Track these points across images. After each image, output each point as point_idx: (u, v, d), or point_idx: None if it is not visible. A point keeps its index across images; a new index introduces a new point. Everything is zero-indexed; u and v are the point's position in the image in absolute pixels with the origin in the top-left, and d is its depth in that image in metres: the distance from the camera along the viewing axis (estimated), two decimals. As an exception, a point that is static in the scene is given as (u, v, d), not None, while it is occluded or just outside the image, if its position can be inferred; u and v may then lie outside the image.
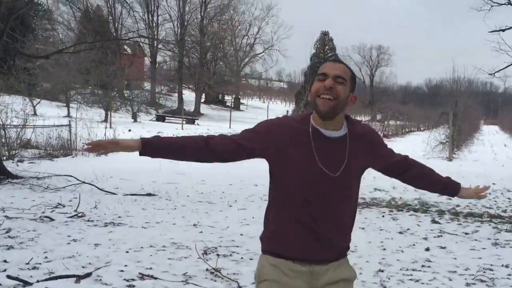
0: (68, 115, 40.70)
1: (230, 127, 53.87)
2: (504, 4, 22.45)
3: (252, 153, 3.41)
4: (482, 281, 7.62)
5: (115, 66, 53.01)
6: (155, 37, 73.28)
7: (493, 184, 19.36)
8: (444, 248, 9.63)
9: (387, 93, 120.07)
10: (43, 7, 53.87)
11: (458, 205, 14.66)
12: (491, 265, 8.49)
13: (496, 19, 23.62)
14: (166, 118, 61.29)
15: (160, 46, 73.45)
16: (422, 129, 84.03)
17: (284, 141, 3.30)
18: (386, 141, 3.93)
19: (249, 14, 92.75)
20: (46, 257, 7.91)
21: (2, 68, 31.47)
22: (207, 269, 7.64)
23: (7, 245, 8.50)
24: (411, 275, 7.80)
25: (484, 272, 8.04)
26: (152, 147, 3.33)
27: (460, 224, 12.04)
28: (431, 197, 15.84)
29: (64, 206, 12.34)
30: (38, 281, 6.76)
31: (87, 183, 15.63)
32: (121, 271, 7.38)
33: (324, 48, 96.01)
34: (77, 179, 15.85)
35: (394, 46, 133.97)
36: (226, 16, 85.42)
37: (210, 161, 3.47)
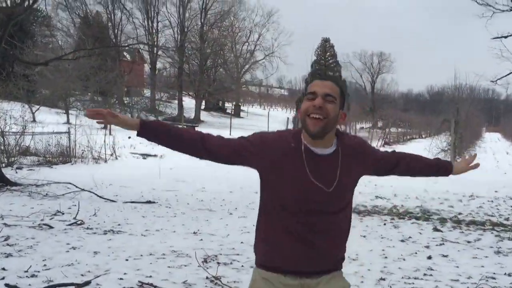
0: (68, 122, 40.56)
1: (230, 134, 53.82)
2: (507, 10, 22.42)
3: (246, 160, 3.43)
4: (485, 289, 7.58)
5: (114, 72, 52.93)
6: (155, 43, 73.25)
7: (495, 192, 19.33)
8: (446, 256, 9.58)
9: (388, 100, 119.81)
10: (42, 13, 53.87)
11: (460, 213, 14.63)
12: (494, 273, 8.43)
13: (499, 26, 23.63)
14: (166, 125, 61.13)
15: (160, 52, 73.42)
16: (423, 136, 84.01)
17: (278, 155, 3.32)
18: (387, 148, 3.91)
19: (249, 20, 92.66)
20: (45, 265, 7.89)
21: (1, 74, 31.46)
22: (207, 277, 7.60)
23: (5, 253, 8.47)
24: (413, 283, 7.75)
25: (487, 280, 7.98)
26: (150, 130, 3.37)
27: (462, 232, 11.98)
28: (433, 205, 15.84)
29: (63, 214, 12.31)
30: (36, 290, 6.72)
31: (86, 190, 15.59)
32: (121, 279, 7.35)
33: (325, 54, 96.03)
34: (77, 187, 15.82)
35: (395, 52, 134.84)
36: (227, 22, 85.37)
37: (202, 158, 3.51)
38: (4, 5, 21.63)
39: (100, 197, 15.03)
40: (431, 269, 8.58)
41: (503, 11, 22.57)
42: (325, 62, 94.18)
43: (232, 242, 10.09)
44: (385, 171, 3.77)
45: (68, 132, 25.85)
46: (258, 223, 3.55)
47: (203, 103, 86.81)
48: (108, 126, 39.24)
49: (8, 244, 9.11)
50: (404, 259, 9.23)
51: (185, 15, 78.19)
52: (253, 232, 3.56)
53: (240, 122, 77.61)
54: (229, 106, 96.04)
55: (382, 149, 3.99)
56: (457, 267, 8.82)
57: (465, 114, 43.14)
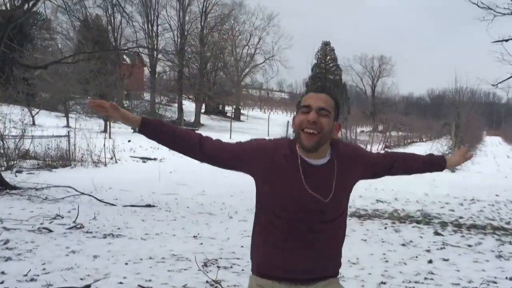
0: (67, 126, 40.58)
1: (230, 137, 53.81)
2: (508, 14, 22.39)
3: (242, 166, 3.48)
4: (486, 294, 7.55)
5: (114, 76, 52.92)
6: (155, 47, 73.22)
7: (496, 195, 19.30)
8: (447, 260, 9.55)
9: (389, 104, 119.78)
10: (42, 17, 53.82)
11: (461, 217, 14.59)
12: (495, 277, 8.41)
13: (500, 29, 23.61)
14: (166, 128, 61.11)
15: (159, 56, 73.42)
16: (424, 140, 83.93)
17: (274, 164, 3.34)
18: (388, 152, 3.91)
19: (249, 24, 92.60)
20: (44, 269, 7.87)
21: (0, 78, 31.46)
22: (207, 281, 7.57)
23: (5, 257, 8.45)
24: (414, 287, 7.71)
25: (488, 284, 7.97)
26: (151, 128, 3.45)
27: (463, 236, 11.94)
28: (434, 209, 15.81)
29: (62, 217, 12.27)
30: (36, 293, 6.69)
31: (86, 194, 15.56)
32: (120, 283, 7.33)
33: (326, 58, 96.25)
34: (76, 190, 15.78)
35: (396, 56, 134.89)
36: (227, 26, 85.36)
37: (198, 160, 3.55)
38: (3, 8, 21.58)
39: (99, 200, 14.98)
40: (432, 273, 8.54)
41: (504, 14, 22.56)
42: (325, 65, 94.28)
43: (232, 246, 10.05)
44: (381, 173, 3.79)
45: (68, 136, 25.80)
46: (254, 230, 3.58)
47: (203, 106, 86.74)
48: (108, 129, 39.28)
49: (7, 248, 9.09)
50: (405, 263, 9.20)
51: (185, 19, 78.17)
52: (253, 235, 3.57)
53: (240, 126, 77.66)
54: (229, 109, 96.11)
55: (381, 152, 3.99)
56: (458, 271, 8.78)
57: (466, 117, 43.15)
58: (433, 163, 3.92)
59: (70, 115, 45.41)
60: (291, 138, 3.47)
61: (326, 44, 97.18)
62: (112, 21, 75.07)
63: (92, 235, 10.62)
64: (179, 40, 78.00)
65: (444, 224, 13.39)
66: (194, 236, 10.89)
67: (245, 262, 8.73)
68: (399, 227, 12.90)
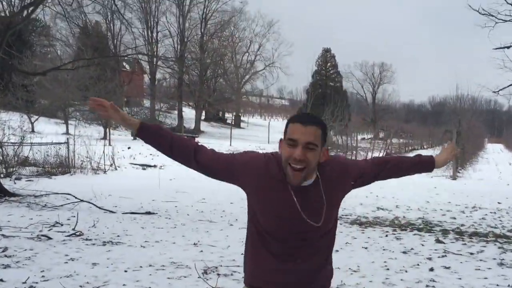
0: (67, 132, 40.62)
1: (230, 144, 53.77)
2: (509, 21, 22.38)
3: (233, 179, 3.51)
4: (488, 302, 7.51)
5: (114, 83, 52.98)
6: (155, 53, 73.23)
7: (498, 203, 19.25)
8: (448, 268, 9.50)
9: (390, 111, 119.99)
10: (41, 23, 53.92)
11: (462, 225, 14.53)
12: (497, 285, 8.38)
13: (501, 36, 23.60)
14: (166, 135, 61.09)
15: (159, 63, 73.43)
16: (425, 147, 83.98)
17: (265, 183, 3.35)
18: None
19: (249, 30, 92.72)
20: (43, 276, 7.86)
21: (-1, 84, 31.48)
22: (207, 289, 7.53)
23: (3, 264, 8.43)
24: (416, 296, 7.67)
25: (490, 292, 7.91)
26: (148, 132, 3.46)
27: (465, 244, 11.88)
28: (435, 217, 15.76)
29: (62, 225, 12.23)
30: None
31: (85, 201, 15.50)
32: (120, 291, 7.27)
33: (326, 65, 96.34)
34: (76, 197, 15.72)
35: (397, 63, 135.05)
36: (227, 32, 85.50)
37: (192, 169, 3.55)
38: (2, 14, 21.58)
39: (99, 208, 14.93)
40: (434, 281, 8.50)
41: (506, 21, 22.55)
42: (326, 72, 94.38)
43: (232, 253, 10.01)
44: (372, 180, 3.77)
45: (67, 143, 25.76)
46: (246, 242, 3.68)
47: (203, 113, 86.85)
48: (108, 136, 39.27)
49: (6, 255, 9.05)
50: (406, 271, 9.15)
51: (185, 25, 78.26)
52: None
53: (240, 133, 77.72)
54: (229, 116, 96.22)
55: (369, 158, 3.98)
56: (460, 279, 8.74)
57: (467, 125, 43.15)
58: (422, 164, 3.90)
59: (69, 122, 45.46)
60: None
61: (326, 50, 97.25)
62: (112, 27, 75.17)
63: (91, 242, 10.58)
64: (179, 46, 78.10)
65: (445, 232, 13.33)
66: (194, 244, 10.85)
67: (245, 270, 8.68)
68: (400, 234, 12.84)
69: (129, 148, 34.18)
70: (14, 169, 22.24)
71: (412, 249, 11.10)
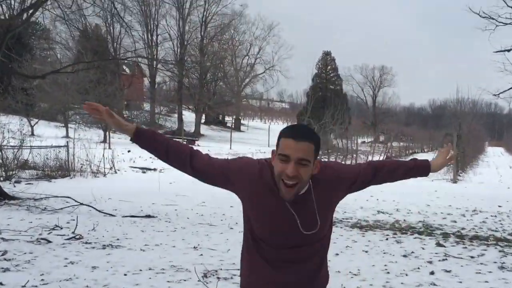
0: (67, 136, 40.61)
1: (230, 148, 53.79)
2: (510, 24, 22.36)
3: (228, 185, 3.50)
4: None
5: (114, 86, 53.03)
6: (154, 57, 73.28)
7: (499, 206, 19.22)
8: (449, 271, 9.47)
9: (390, 114, 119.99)
10: (41, 27, 53.95)
11: (463, 228, 14.50)
12: (498, 289, 8.34)
13: (502, 39, 23.58)
14: (166, 138, 61.04)
15: (159, 66, 73.47)
16: (426, 150, 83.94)
17: (260, 190, 3.34)
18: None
19: (250, 33, 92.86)
20: (42, 280, 7.84)
21: (-1, 87, 31.48)
22: (207, 293, 7.50)
23: (3, 268, 8.41)
24: (417, 299, 7.65)
25: (491, 296, 7.89)
26: (144, 138, 3.47)
27: (466, 247, 11.84)
28: (435, 220, 15.73)
29: (61, 228, 12.20)
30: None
31: (85, 204, 15.47)
32: (119, 295, 7.25)
33: (326, 68, 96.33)
34: (75, 201, 15.69)
35: (397, 66, 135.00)
36: (227, 35, 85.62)
37: (188, 174, 3.54)
38: (2, 17, 21.56)
39: (99, 211, 14.91)
40: (434, 285, 8.48)
41: (506, 24, 22.53)
42: (326, 75, 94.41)
43: (232, 257, 9.98)
44: (365, 185, 3.74)
45: (67, 146, 25.75)
46: (242, 247, 3.63)
47: (203, 116, 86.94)
48: (107, 140, 39.26)
49: (5, 259, 9.03)
50: (406, 274, 9.13)
51: (185, 28, 78.37)
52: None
53: (240, 136, 77.80)
54: (229, 120, 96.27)
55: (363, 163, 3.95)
56: (461, 282, 8.71)
57: (468, 128, 43.15)
58: (418, 168, 3.85)
59: (69, 125, 45.48)
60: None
61: (326, 53, 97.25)
62: (112, 31, 75.19)
63: (91, 246, 10.56)
64: (179, 50, 78.22)
65: (446, 235, 13.30)
66: (194, 247, 10.82)
67: (245, 273, 8.66)
68: (400, 238, 12.81)
69: (129, 151, 34.13)
70: (14, 172, 22.25)
71: (412, 252, 11.07)
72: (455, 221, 15.67)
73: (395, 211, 17.47)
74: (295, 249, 3.37)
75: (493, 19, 22.69)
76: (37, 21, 43.31)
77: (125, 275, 8.35)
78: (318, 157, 3.28)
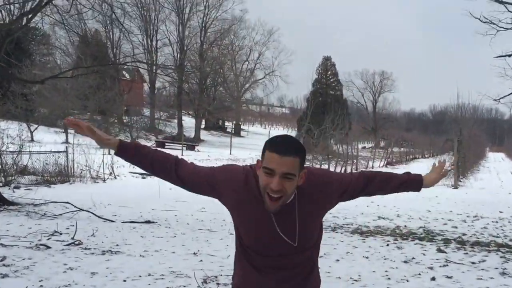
0: (66, 141, 40.59)
1: (230, 153, 53.79)
2: (510, 29, 22.32)
3: (213, 194, 3.51)
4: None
5: (113, 91, 53.06)
6: (154, 62, 73.29)
7: (500, 212, 19.20)
8: (450, 277, 9.43)
9: (390, 120, 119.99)
10: (40, 32, 53.98)
11: (464, 234, 14.48)
12: (500, 295, 8.30)
13: (503, 44, 23.54)
14: (166, 144, 61.18)
15: (159, 71, 73.47)
16: (426, 156, 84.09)
17: (244, 198, 3.34)
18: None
19: (249, 39, 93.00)
20: (41, 286, 7.82)
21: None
22: (207, 299, 7.47)
23: (1, 274, 8.37)
24: (418, 305, 7.62)
25: (493, 302, 7.85)
26: (126, 153, 3.48)
27: (467, 253, 11.81)
28: (436, 226, 15.72)
29: (61, 234, 12.15)
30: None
31: (84, 210, 15.44)
32: (118, 301, 7.21)
33: (326, 73, 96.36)
34: (75, 206, 15.66)
35: (397, 71, 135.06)
36: (227, 41, 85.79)
37: (174, 183, 3.55)
38: (1, 22, 21.56)
39: (98, 217, 14.88)
40: (436, 291, 8.44)
41: (507, 29, 22.49)
42: (326, 81, 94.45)
43: (232, 263, 9.88)
44: (356, 194, 3.69)
45: (66, 151, 25.72)
46: (235, 254, 3.70)
47: (203, 122, 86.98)
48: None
49: (4, 265, 8.98)
50: (407, 280, 9.09)
51: (184, 33, 78.41)
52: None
53: (240, 141, 77.77)
54: (229, 125, 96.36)
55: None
56: (462, 288, 8.68)
57: (468, 133, 43.16)
58: (410, 182, 3.82)
59: (69, 130, 45.42)
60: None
61: (327, 59, 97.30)
62: (111, 36, 75.22)
63: (90, 251, 10.52)
64: (178, 55, 78.30)
65: (447, 241, 13.28)
66: (194, 253, 10.79)
67: (245, 279, 8.63)
68: (401, 244, 12.78)
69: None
70: (13, 177, 22.21)
71: (413, 258, 11.04)
72: (456, 227, 15.65)
73: (396, 216, 17.47)
74: (281, 257, 3.39)
75: (493, 24, 22.66)
76: (36, 26, 43.39)
77: (124, 281, 8.31)
78: (304, 167, 3.24)
